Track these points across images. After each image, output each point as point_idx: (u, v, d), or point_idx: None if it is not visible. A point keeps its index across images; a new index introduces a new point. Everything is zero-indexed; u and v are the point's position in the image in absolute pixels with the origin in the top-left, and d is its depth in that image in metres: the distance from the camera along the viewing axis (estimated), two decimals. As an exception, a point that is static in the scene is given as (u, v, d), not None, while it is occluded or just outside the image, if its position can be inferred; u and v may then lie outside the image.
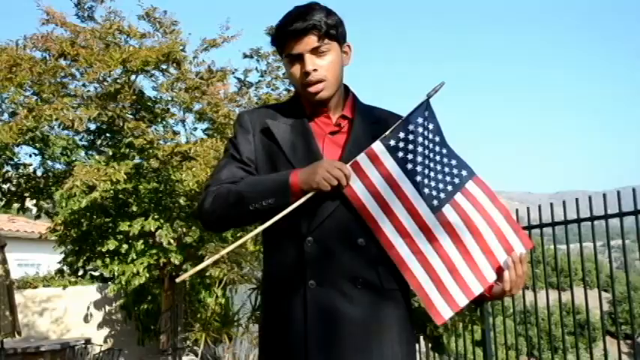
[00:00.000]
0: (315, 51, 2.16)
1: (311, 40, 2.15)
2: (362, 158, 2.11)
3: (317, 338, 2.06)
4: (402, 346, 2.13)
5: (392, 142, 2.13)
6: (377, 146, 2.12)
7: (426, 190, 2.12)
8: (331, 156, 2.19)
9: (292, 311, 2.13)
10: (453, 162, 2.18)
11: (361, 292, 2.09)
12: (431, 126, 2.15)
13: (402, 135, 2.13)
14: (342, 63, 2.26)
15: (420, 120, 2.14)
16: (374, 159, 2.11)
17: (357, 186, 2.10)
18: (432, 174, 2.14)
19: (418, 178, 2.11)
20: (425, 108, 2.15)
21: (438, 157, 2.17)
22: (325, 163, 2.08)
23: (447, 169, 2.17)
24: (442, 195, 2.13)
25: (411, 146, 2.12)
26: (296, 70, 2.19)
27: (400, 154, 2.12)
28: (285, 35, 2.16)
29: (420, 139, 2.13)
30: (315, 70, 2.16)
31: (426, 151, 2.14)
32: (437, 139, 2.17)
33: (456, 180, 2.17)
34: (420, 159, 2.12)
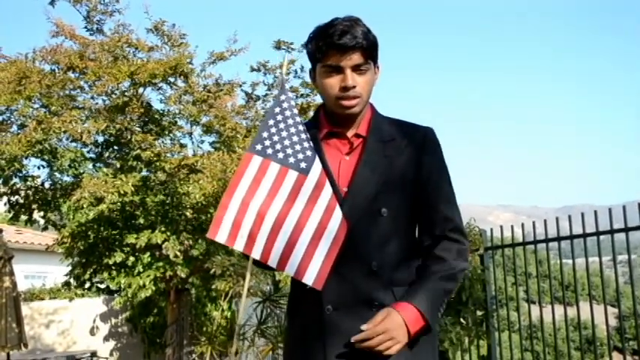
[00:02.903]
0: (356, 68, 2.17)
1: (356, 57, 2.16)
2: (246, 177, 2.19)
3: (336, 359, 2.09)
4: None
5: (258, 147, 2.22)
6: (250, 159, 2.21)
7: (291, 160, 2.19)
8: (344, 180, 2.21)
9: (311, 335, 2.17)
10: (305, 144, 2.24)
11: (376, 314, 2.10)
12: (288, 112, 2.28)
13: (265, 134, 2.24)
14: (373, 83, 2.28)
15: (277, 110, 2.28)
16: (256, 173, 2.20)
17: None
18: (295, 147, 2.22)
19: (281, 155, 2.21)
20: (279, 100, 2.31)
21: (293, 130, 2.25)
22: None
23: (299, 144, 2.23)
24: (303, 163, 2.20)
25: (275, 137, 2.23)
26: (333, 81, 2.19)
27: (269, 150, 2.21)
28: (331, 47, 2.15)
29: (282, 125, 2.25)
30: (354, 86, 2.17)
31: (285, 132, 2.24)
32: (290, 121, 2.27)
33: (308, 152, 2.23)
34: (284, 141, 2.23)
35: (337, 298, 2.13)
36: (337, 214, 2.11)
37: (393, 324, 2.03)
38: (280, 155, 2.19)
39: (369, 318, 2.08)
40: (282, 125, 2.24)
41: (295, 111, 2.29)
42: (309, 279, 2.06)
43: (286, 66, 2.16)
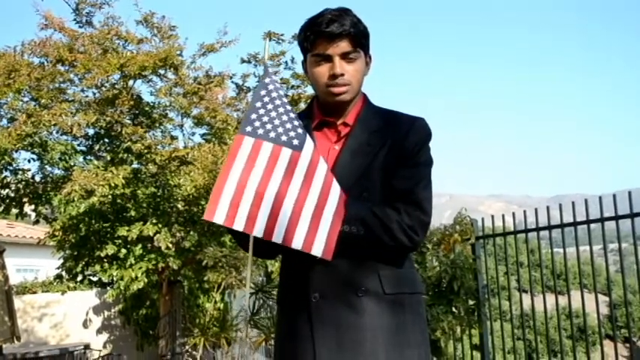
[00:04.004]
0: (345, 56, 2.20)
1: (344, 45, 2.19)
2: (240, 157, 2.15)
3: (324, 348, 2.10)
4: (406, 348, 2.14)
5: (248, 128, 2.18)
6: (241, 140, 2.16)
7: (284, 138, 2.16)
8: (330, 167, 2.21)
9: (299, 324, 2.18)
10: (295, 122, 2.22)
11: (363, 300, 2.12)
12: (274, 94, 2.25)
13: (253, 116, 2.20)
14: (364, 72, 2.30)
15: (263, 92, 2.25)
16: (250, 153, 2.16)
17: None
18: (286, 125, 2.19)
19: (272, 134, 2.16)
20: (264, 83, 2.28)
21: (282, 110, 2.22)
22: None
23: (289, 123, 2.21)
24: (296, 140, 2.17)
25: (265, 118, 2.19)
26: (322, 69, 2.22)
27: (260, 130, 2.17)
28: (319, 35, 2.19)
29: (270, 106, 2.21)
30: (342, 74, 2.20)
31: (274, 113, 2.21)
32: (278, 102, 2.25)
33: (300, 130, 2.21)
34: (274, 121, 2.19)
35: (323, 285, 2.15)
36: (335, 188, 2.11)
37: None
38: (272, 134, 2.16)
39: (356, 304, 2.11)
40: (270, 106, 2.22)
41: (282, 92, 2.29)
42: (317, 251, 2.04)
43: (267, 50, 2.16)
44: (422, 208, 2.19)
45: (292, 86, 9.29)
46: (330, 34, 2.16)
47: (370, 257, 2.16)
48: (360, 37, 2.22)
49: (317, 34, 2.19)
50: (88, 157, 9.87)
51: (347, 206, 2.10)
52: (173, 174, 8.68)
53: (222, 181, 2.10)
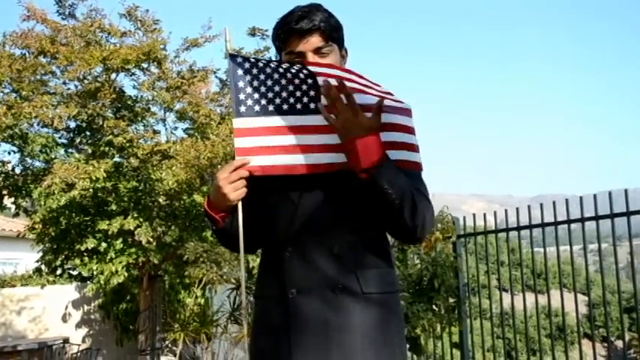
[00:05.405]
0: (318, 51, 2.20)
1: (315, 40, 2.19)
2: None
3: (299, 344, 2.08)
4: (382, 347, 2.12)
5: (242, 109, 2.17)
6: (239, 122, 2.16)
7: (285, 107, 2.15)
8: None
9: (275, 319, 2.16)
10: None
11: (340, 297, 2.10)
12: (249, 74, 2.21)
13: (241, 97, 2.18)
14: (339, 65, 2.27)
15: (237, 80, 2.21)
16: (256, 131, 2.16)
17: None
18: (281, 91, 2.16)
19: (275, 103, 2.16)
20: (234, 68, 2.24)
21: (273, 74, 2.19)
22: (218, 174, 2.16)
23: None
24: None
25: (255, 95, 2.17)
26: None
27: (256, 107, 2.16)
28: (290, 33, 2.19)
29: (255, 83, 2.18)
30: None
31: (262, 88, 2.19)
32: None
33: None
34: (265, 97, 2.17)
35: (301, 282, 2.13)
36: None
37: (364, 120, 1.99)
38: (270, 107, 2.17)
39: (333, 302, 2.09)
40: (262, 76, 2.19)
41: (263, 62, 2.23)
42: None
43: (230, 40, 2.14)
44: (428, 200, 2.16)
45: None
46: (300, 31, 2.17)
47: (348, 256, 2.14)
48: (331, 31, 2.21)
49: (288, 32, 2.19)
50: (69, 150, 9.80)
51: (395, 170, 2.04)
52: (155, 168, 8.64)
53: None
